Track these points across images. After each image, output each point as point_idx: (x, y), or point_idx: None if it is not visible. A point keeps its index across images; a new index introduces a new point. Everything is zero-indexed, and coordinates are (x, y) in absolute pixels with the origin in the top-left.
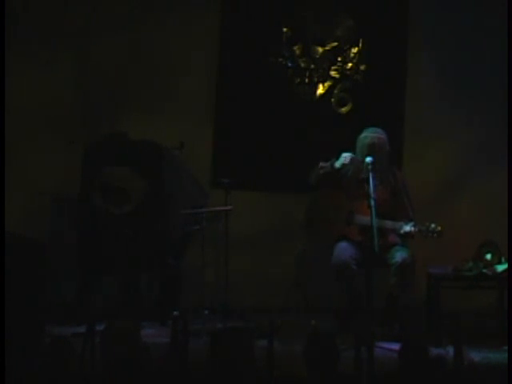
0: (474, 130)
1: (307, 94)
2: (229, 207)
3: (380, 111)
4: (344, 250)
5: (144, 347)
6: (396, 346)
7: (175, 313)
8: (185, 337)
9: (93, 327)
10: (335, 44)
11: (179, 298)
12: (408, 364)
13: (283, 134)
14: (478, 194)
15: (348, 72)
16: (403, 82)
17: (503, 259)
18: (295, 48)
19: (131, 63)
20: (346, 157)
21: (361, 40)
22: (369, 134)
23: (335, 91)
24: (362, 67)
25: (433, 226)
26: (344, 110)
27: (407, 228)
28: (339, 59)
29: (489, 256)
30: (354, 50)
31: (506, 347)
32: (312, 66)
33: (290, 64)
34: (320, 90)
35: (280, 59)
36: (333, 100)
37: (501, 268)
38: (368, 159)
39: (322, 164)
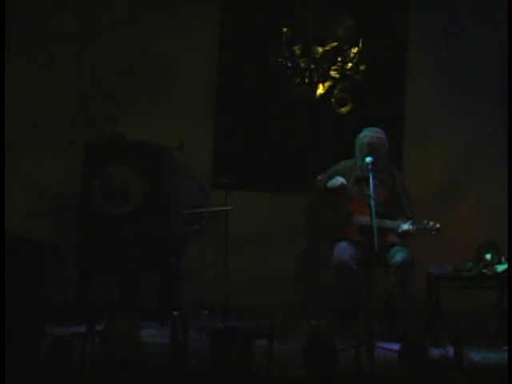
0: (474, 130)
1: (307, 93)
2: (229, 207)
3: (380, 111)
4: (344, 249)
5: (143, 347)
6: (396, 346)
7: (175, 313)
8: (185, 337)
9: (93, 327)
10: (335, 44)
11: (179, 297)
12: (408, 364)
13: (283, 134)
14: (478, 194)
15: (348, 72)
16: (403, 81)
17: (503, 259)
18: (295, 48)
19: (131, 63)
20: (337, 181)
21: (361, 40)
22: (368, 134)
23: (335, 91)
24: (362, 67)
25: (431, 223)
26: (344, 110)
27: (405, 226)
28: (339, 59)
29: (489, 256)
30: (354, 49)
31: (506, 347)
32: (312, 66)
33: (289, 64)
34: (320, 90)
35: (280, 59)
36: (333, 100)
37: (501, 268)
38: (368, 159)
39: (319, 177)
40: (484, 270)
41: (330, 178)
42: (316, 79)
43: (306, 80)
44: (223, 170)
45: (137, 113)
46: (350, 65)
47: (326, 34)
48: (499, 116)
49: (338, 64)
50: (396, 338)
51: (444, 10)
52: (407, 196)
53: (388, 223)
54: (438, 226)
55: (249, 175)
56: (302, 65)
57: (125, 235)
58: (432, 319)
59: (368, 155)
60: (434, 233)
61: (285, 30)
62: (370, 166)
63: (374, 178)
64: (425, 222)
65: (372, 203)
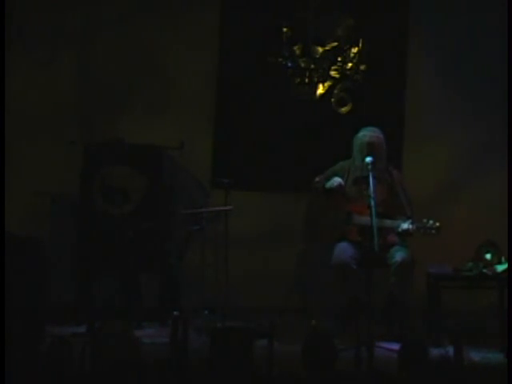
0: (473, 130)
1: (307, 93)
2: (229, 207)
3: (380, 111)
4: (344, 249)
5: (137, 346)
6: (396, 346)
7: (175, 313)
8: (185, 337)
9: (93, 327)
10: (335, 44)
11: (179, 297)
12: (408, 364)
13: (283, 133)
14: (478, 194)
15: (348, 72)
16: (403, 82)
17: (503, 259)
18: (295, 48)
19: (131, 63)
20: (334, 181)
21: (361, 40)
22: (368, 133)
23: (335, 91)
24: (362, 67)
25: (431, 222)
26: (344, 110)
27: (405, 226)
28: (339, 59)
29: (489, 256)
30: (354, 50)
31: (506, 347)
32: (312, 66)
33: (289, 64)
34: (320, 90)
35: (280, 59)
36: (333, 100)
37: (501, 268)
38: (368, 159)
39: (317, 179)
40: (484, 270)
41: (328, 178)
42: (316, 79)
43: (306, 80)
44: (223, 170)
45: (137, 113)
46: (349, 65)
47: (326, 34)
48: (499, 116)
49: (338, 64)
50: (396, 338)
51: (444, 10)
52: (406, 195)
53: (388, 223)
54: (437, 224)
55: (249, 175)
56: (302, 65)
57: (125, 235)
58: (432, 319)
59: (368, 155)
60: (433, 232)
61: (285, 29)
62: (370, 166)
63: (374, 178)
64: (424, 220)
65: (372, 203)
